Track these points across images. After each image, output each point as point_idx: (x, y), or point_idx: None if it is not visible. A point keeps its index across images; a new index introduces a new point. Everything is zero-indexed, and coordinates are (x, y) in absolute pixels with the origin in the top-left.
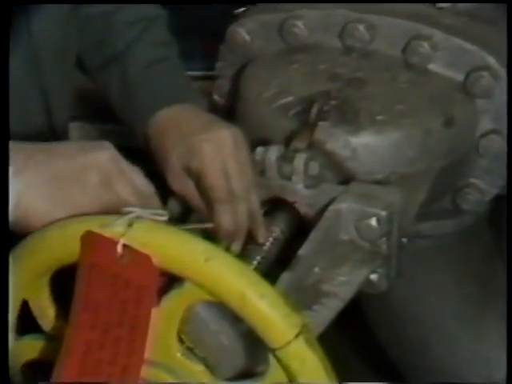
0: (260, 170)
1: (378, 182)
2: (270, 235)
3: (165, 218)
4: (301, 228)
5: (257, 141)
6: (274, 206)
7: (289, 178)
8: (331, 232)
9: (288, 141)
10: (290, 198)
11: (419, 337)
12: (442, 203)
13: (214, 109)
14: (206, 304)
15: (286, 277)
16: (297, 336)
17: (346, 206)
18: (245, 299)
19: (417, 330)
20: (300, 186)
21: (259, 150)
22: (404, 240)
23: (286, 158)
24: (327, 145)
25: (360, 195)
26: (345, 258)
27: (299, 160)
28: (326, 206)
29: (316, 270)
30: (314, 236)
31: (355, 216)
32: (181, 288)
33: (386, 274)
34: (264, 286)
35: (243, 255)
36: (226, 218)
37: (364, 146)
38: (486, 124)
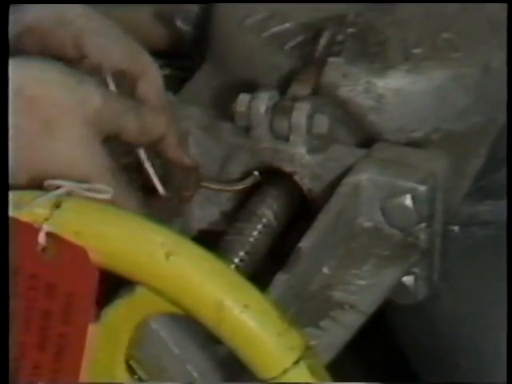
0: (244, 127)
1: (415, 144)
2: (259, 221)
3: (107, 196)
4: (302, 210)
5: (239, 85)
6: (265, 179)
7: (285, 139)
8: (346, 216)
9: (284, 85)
10: (287, 168)
11: (475, 366)
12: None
13: (177, 39)
14: (166, 318)
15: (281, 280)
16: (297, 362)
17: (367, 177)
18: (223, 311)
19: (472, 359)
20: (301, 150)
21: (243, 98)
22: (453, 228)
23: (282, 109)
24: (340, 90)
25: (388, 162)
26: (366, 253)
27: (300, 112)
28: (339, 178)
29: (324, 270)
30: (322, 222)
31: (381, 192)
32: (130, 296)
33: (425, 276)
34: (250, 292)
35: (221, 249)
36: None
37: (394, 91)
38: None
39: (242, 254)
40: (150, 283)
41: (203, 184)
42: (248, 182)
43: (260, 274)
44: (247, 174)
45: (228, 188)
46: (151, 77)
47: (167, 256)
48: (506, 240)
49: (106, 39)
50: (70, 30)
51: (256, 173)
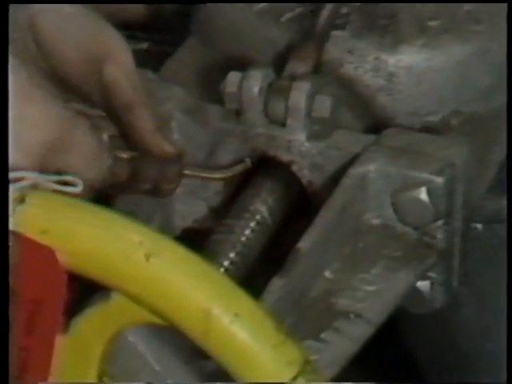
0: (234, 111)
1: (431, 129)
2: (252, 217)
3: (78, 189)
4: (301, 206)
5: (229, 62)
6: (259, 169)
7: (282, 124)
8: (351, 212)
9: (280, 62)
10: (284, 157)
11: None
12: None
13: (157, 9)
14: (145, 329)
15: (277, 285)
16: (295, 379)
17: (376, 168)
18: (210, 321)
19: (498, 377)
20: (300, 137)
21: (233, 77)
22: (475, 226)
23: (277, 89)
24: (345, 68)
25: (400, 151)
26: (374, 254)
27: (298, 93)
28: (343, 168)
29: (327, 274)
30: (324, 218)
31: (392, 185)
32: (104, 303)
33: (443, 281)
34: (241, 299)
35: (208, 250)
36: None
37: (407, 69)
38: None
39: (232, 255)
40: (127, 289)
41: (186, 172)
42: (238, 169)
43: (253, 278)
44: (238, 163)
45: (215, 175)
46: (118, 57)
47: (147, 257)
48: (507, 240)
49: (61, 16)
50: (24, 11)
51: (248, 159)
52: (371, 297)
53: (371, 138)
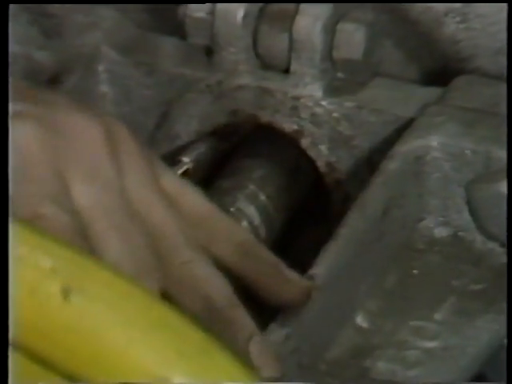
0: (203, 48)
1: None
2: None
3: None
4: (314, 205)
5: None
6: (243, 146)
7: (282, 69)
8: (398, 216)
9: None
10: (287, 125)
11: None
12: None
13: None
14: None
15: (275, 337)
16: None
17: (441, 143)
18: None
19: None
20: (313, 91)
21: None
22: None
23: (275, 13)
24: None
25: (480, 114)
26: (437, 286)
27: (310, 19)
28: (385, 143)
29: (357, 319)
30: (352, 228)
31: (466, 171)
32: None
33: None
34: (217, 362)
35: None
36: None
37: None
38: None
39: None
40: (30, 343)
41: None
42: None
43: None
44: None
45: None
46: None
47: (65, 293)
48: (507, 240)
49: None
50: None
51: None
52: (432, 359)
53: (432, 92)
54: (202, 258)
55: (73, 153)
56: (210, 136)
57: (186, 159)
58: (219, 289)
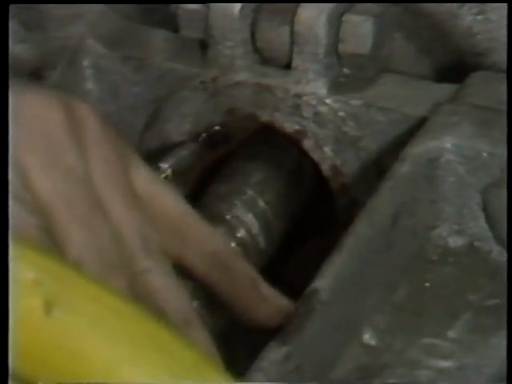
0: (198, 42)
1: None
2: (230, 235)
3: None
4: (317, 213)
5: None
6: (241, 148)
7: (283, 64)
8: (409, 224)
9: None
10: (288, 124)
11: None
12: None
13: None
14: None
15: (275, 356)
16: None
17: (455, 144)
18: None
19: None
20: (317, 88)
21: None
22: None
23: (275, 4)
24: None
25: (495, 113)
26: (452, 301)
27: (313, 11)
28: (395, 144)
29: (364, 337)
30: (358, 237)
31: (484, 175)
32: None
33: None
34: (210, 382)
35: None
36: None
37: None
38: None
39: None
40: (13, 362)
41: None
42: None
43: (233, 338)
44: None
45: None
46: None
47: (47, 308)
48: (507, 240)
49: None
50: None
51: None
52: (446, 380)
53: (446, 89)
54: (162, 268)
55: (29, 138)
56: (195, 139)
57: (164, 165)
58: (175, 304)
